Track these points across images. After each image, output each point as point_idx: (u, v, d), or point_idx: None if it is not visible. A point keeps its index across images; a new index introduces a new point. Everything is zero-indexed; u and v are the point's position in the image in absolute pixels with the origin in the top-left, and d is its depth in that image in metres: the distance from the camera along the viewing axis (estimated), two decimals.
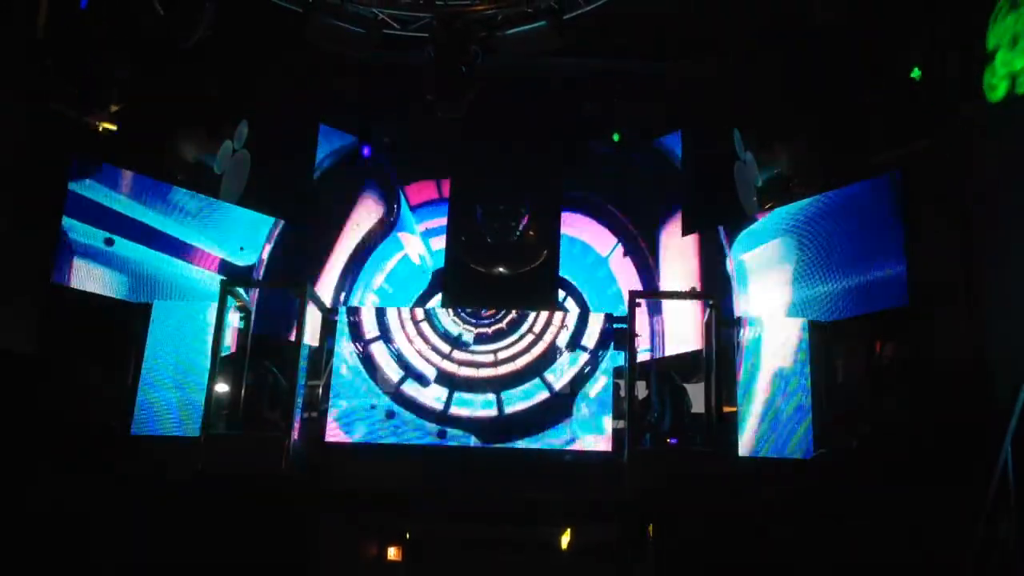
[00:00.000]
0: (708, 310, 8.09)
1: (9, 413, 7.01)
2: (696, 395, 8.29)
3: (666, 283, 9.90)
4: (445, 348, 8.62)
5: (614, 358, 8.45)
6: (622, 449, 7.80)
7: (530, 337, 8.60)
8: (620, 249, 10.36)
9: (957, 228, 7.40)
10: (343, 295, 10.22)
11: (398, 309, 8.86)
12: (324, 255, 10.19)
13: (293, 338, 8.01)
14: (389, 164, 10.59)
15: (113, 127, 8.22)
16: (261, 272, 9.59)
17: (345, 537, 7.90)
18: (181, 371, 8.01)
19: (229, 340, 8.10)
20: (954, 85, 7.35)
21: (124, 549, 7.02)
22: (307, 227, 10.02)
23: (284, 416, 7.85)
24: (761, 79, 8.77)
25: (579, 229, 10.50)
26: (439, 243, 10.53)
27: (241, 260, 9.43)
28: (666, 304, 9.58)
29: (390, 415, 8.35)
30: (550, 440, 8.26)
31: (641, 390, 8.55)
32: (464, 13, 9.01)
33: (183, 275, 9.01)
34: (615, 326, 8.52)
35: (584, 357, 8.48)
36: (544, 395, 8.43)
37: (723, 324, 8.11)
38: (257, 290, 8.93)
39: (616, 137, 10.21)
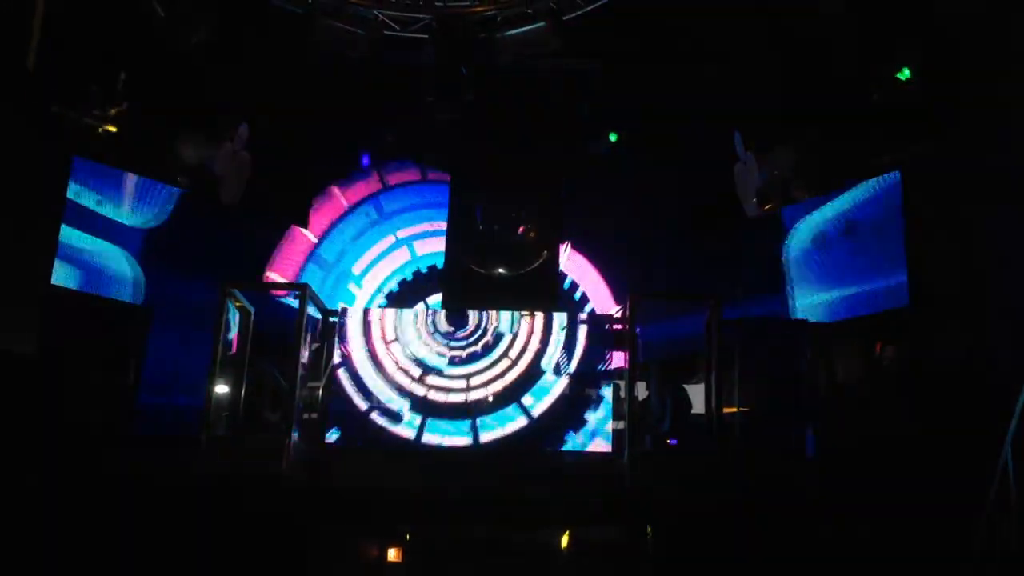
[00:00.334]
0: (709, 311, 8.07)
1: (9, 414, 7.00)
2: (696, 396, 8.28)
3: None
4: (416, 372, 8.49)
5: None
6: (622, 450, 7.80)
7: (506, 362, 8.47)
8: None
9: (958, 229, 7.40)
10: None
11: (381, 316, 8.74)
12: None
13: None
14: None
15: (113, 129, 8.21)
16: None
17: (345, 538, 7.88)
18: (182, 372, 8.01)
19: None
20: (955, 87, 7.35)
21: (124, 550, 7.00)
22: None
23: (284, 417, 7.86)
24: (762, 79, 8.77)
25: None
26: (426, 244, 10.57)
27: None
28: None
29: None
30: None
31: (641, 391, 8.53)
32: (464, 14, 9.02)
33: None
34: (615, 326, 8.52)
35: (563, 382, 8.38)
36: (522, 421, 8.35)
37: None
38: None
39: (613, 137, 10.20)
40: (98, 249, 8.55)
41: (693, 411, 8.35)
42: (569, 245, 10.52)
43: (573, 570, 7.76)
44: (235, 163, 9.25)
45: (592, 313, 9.97)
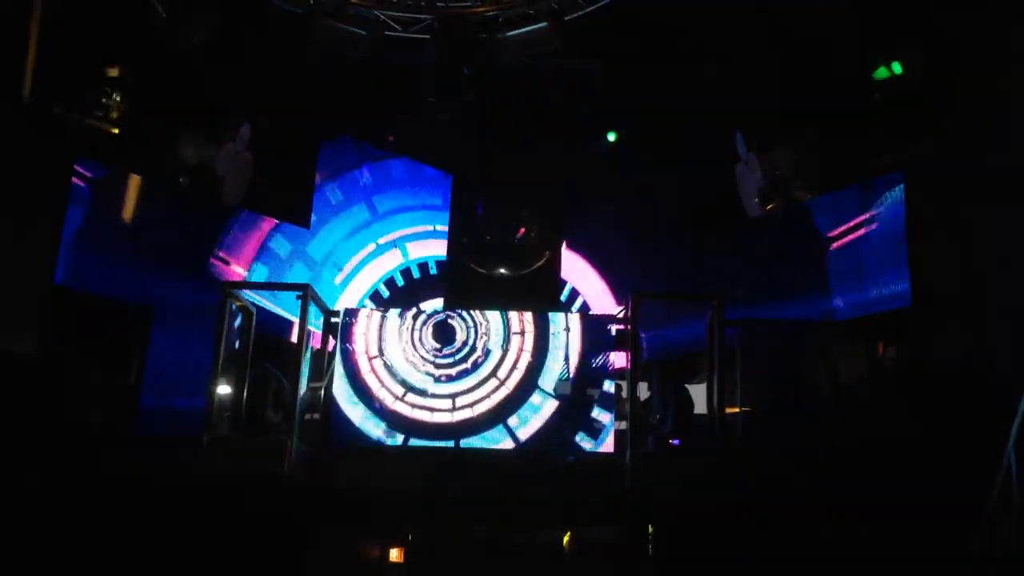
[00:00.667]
0: (711, 311, 8.07)
1: (9, 414, 7.01)
2: (698, 396, 8.29)
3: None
4: (399, 391, 8.44)
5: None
6: (624, 450, 7.80)
7: (494, 382, 8.41)
8: None
9: (958, 229, 7.39)
10: None
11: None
12: None
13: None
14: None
15: (115, 130, 8.22)
16: None
17: (347, 539, 7.89)
18: (184, 372, 8.02)
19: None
20: (955, 87, 7.36)
21: (125, 550, 7.02)
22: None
23: (287, 418, 7.87)
24: (762, 79, 8.77)
25: None
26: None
27: None
28: None
29: None
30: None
31: (643, 391, 8.54)
32: (465, 15, 9.02)
33: None
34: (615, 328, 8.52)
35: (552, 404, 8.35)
36: (508, 444, 8.32)
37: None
38: None
39: (613, 137, 10.19)
40: None
41: (695, 411, 8.35)
42: (564, 243, 10.46)
43: (574, 570, 7.77)
44: (237, 163, 9.25)
45: (588, 313, 9.94)
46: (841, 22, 8.05)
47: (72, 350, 7.69)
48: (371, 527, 7.82)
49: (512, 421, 8.31)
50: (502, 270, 10.21)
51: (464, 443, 8.28)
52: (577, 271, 10.50)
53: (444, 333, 8.55)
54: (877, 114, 8.03)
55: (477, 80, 9.16)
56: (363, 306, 10.20)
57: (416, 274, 10.61)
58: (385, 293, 10.50)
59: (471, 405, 8.37)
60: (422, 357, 8.47)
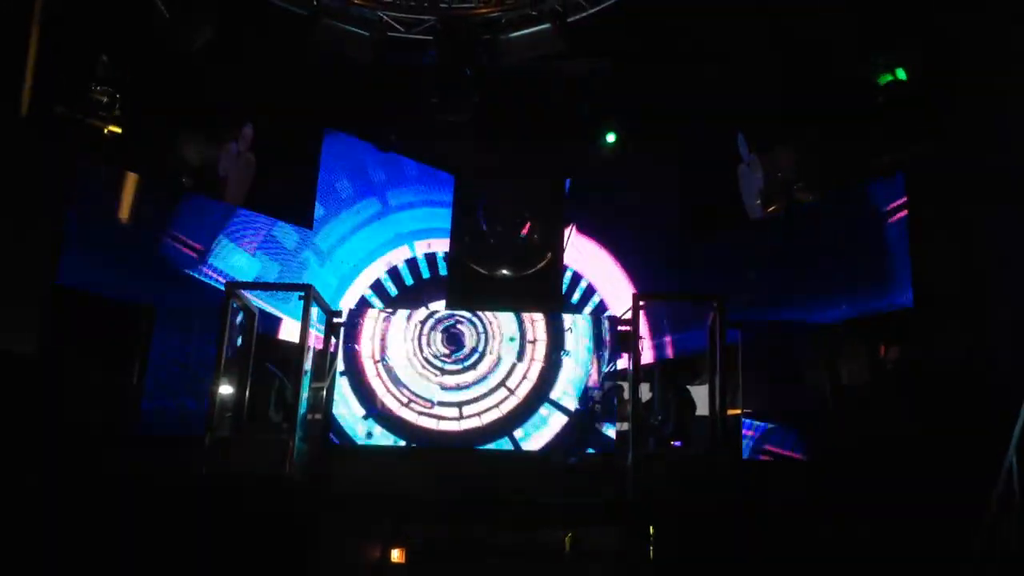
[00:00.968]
0: (713, 312, 8.04)
1: (9, 414, 7.03)
2: (700, 398, 8.27)
3: None
4: (404, 398, 8.44)
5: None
6: (625, 452, 7.78)
7: (503, 392, 8.40)
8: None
9: (958, 229, 7.38)
10: None
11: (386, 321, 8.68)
12: None
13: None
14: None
15: (118, 130, 8.24)
16: None
17: (348, 539, 7.89)
18: (185, 372, 8.04)
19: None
20: (955, 87, 7.35)
21: (125, 550, 7.03)
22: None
23: (288, 418, 7.87)
24: (763, 79, 8.77)
25: None
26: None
27: None
28: None
29: None
30: None
31: (644, 393, 8.52)
32: (468, 16, 9.03)
33: None
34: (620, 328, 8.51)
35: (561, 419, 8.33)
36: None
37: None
38: None
39: (613, 136, 10.18)
40: None
41: (697, 413, 8.33)
42: (574, 228, 10.36)
43: (574, 571, 7.76)
44: (240, 164, 9.28)
45: (600, 316, 9.91)
46: (841, 22, 8.05)
47: (72, 350, 7.71)
48: (372, 528, 7.83)
49: (518, 433, 8.31)
50: (504, 271, 10.21)
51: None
52: (597, 260, 10.42)
53: (453, 338, 8.55)
54: (877, 114, 8.02)
55: (479, 81, 9.17)
56: (368, 301, 10.21)
57: (425, 273, 10.60)
58: (392, 291, 10.46)
59: (479, 414, 8.37)
60: (429, 362, 8.48)
